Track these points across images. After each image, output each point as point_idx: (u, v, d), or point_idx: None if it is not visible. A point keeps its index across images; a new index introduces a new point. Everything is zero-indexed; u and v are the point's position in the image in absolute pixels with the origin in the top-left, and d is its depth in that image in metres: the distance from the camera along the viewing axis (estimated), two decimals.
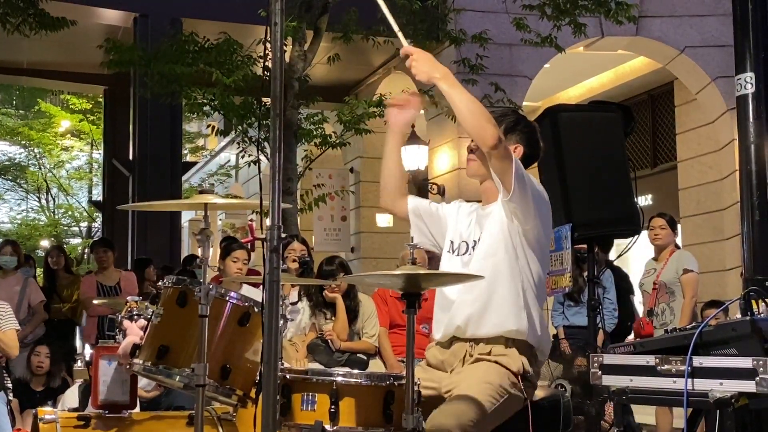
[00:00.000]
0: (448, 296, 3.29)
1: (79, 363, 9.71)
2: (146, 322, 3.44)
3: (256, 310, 3.32)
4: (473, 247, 3.31)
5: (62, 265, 8.99)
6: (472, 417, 2.91)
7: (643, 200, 12.27)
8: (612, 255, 7.42)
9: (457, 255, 3.35)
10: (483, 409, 2.95)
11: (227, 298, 3.32)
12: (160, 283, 3.41)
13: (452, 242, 3.40)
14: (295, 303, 5.85)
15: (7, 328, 5.53)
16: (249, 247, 5.70)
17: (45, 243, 24.56)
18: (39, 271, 11.26)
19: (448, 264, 3.37)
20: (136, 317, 3.61)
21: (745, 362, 2.85)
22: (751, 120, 4.62)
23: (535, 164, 3.64)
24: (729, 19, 4.95)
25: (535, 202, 3.20)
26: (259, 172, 3.02)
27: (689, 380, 2.97)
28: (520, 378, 3.14)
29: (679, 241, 7.91)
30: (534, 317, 3.22)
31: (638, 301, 7.73)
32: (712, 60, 10.76)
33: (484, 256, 3.24)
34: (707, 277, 9.06)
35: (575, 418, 5.06)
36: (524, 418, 3.17)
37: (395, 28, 3.17)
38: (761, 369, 2.79)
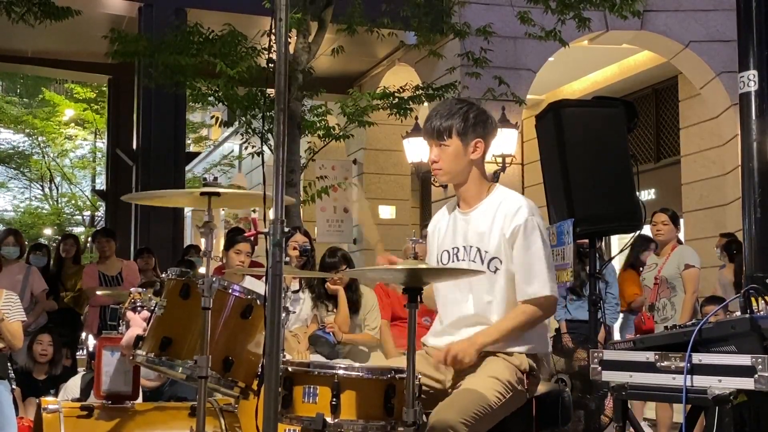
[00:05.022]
0: (457, 328, 3.26)
1: (81, 352, 9.73)
2: (149, 314, 3.46)
3: (258, 302, 3.34)
4: (465, 252, 3.26)
5: (72, 254, 8.97)
6: (476, 411, 2.90)
7: (646, 194, 12.26)
8: (614, 250, 7.44)
9: (459, 261, 3.29)
10: (488, 404, 2.95)
11: (230, 291, 3.33)
12: (163, 275, 3.42)
13: (447, 251, 3.33)
14: (296, 291, 5.85)
15: (14, 320, 5.54)
16: (252, 240, 5.72)
17: (48, 232, 24.59)
18: None
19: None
20: (139, 308, 3.64)
21: (744, 359, 2.86)
22: (753, 118, 4.60)
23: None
24: (734, 14, 4.92)
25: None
26: (263, 164, 3.03)
27: (688, 377, 2.99)
28: (526, 374, 3.15)
29: (681, 235, 7.92)
30: (539, 332, 3.26)
31: None
32: (717, 55, 10.75)
33: (490, 268, 3.22)
34: (709, 272, 9.05)
35: (575, 412, 5.08)
36: (526, 413, 3.18)
37: None
38: (760, 366, 2.80)
